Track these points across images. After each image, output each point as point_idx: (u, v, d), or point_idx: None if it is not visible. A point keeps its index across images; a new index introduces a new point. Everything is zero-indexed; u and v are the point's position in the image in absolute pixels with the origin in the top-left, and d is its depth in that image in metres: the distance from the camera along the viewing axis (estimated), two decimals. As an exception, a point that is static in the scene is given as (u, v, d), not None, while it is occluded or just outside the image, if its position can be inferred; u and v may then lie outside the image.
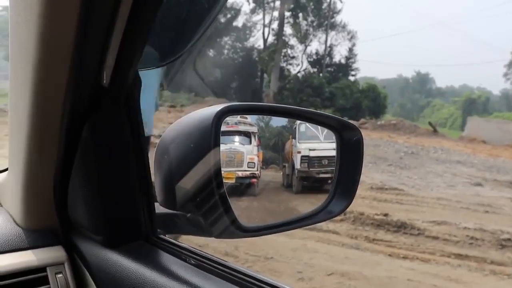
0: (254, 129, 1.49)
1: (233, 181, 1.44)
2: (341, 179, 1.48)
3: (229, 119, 1.41)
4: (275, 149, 1.56)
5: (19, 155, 1.29)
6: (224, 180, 1.40)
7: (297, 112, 1.46)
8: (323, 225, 8.69)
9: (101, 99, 1.21)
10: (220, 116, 1.18)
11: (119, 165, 1.28)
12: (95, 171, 1.26)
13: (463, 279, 6.88)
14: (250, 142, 1.49)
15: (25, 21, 1.06)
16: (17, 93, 1.21)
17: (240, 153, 1.48)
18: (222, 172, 1.33)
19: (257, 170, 1.48)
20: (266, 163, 1.54)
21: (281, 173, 1.54)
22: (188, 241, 1.33)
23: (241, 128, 1.48)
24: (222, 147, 1.40)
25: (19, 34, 1.12)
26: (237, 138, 1.47)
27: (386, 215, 9.86)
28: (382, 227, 9.19)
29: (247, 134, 1.49)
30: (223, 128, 1.39)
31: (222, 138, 1.38)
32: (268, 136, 1.56)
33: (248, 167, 1.47)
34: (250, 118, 1.48)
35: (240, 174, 1.44)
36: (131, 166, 1.28)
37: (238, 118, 1.46)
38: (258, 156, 1.50)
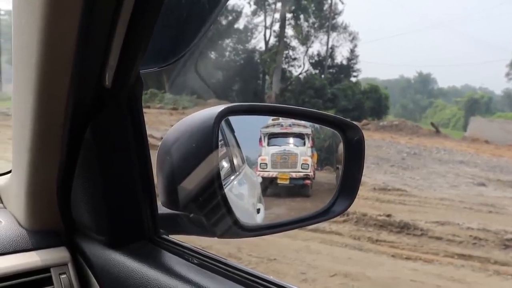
0: (308, 131, 1.52)
1: (287, 182, 1.45)
2: (345, 178, 1.48)
3: (283, 121, 1.43)
4: (329, 151, 1.58)
5: (23, 157, 1.30)
6: (279, 181, 1.43)
7: (299, 112, 1.47)
8: (326, 226, 8.70)
9: (104, 100, 1.22)
10: (222, 117, 1.19)
11: (122, 166, 1.28)
12: (98, 172, 1.26)
13: (466, 279, 6.88)
14: (304, 144, 1.50)
15: (27, 23, 1.06)
16: (20, 95, 1.22)
17: (294, 154, 1.50)
18: (277, 173, 1.35)
19: (311, 171, 1.50)
20: (321, 164, 1.55)
21: (335, 174, 1.55)
22: (192, 242, 1.33)
23: (295, 130, 1.50)
24: (276, 148, 1.43)
25: (21, 37, 1.12)
26: (291, 140, 1.50)
27: (389, 215, 9.85)
28: (385, 227, 9.19)
29: (301, 136, 1.51)
30: (278, 130, 1.41)
31: (276, 140, 1.42)
32: (322, 137, 1.57)
33: (302, 169, 1.49)
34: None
35: (294, 175, 1.47)
36: (134, 167, 1.29)
37: (292, 120, 1.47)
38: (312, 158, 1.51)
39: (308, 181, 1.50)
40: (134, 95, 1.24)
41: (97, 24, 1.06)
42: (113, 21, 1.06)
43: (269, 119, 1.44)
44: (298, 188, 1.50)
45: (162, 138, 1.32)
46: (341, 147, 1.52)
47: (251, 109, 1.41)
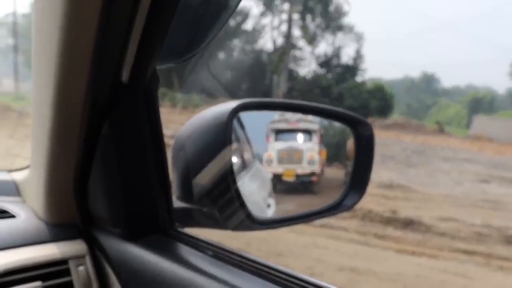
0: (315, 126, 1.51)
1: (293, 178, 1.45)
2: (355, 173, 1.49)
3: (290, 116, 1.44)
4: (338, 147, 1.58)
5: (41, 151, 1.32)
6: (284, 178, 1.43)
7: (310, 107, 1.47)
8: (333, 222, 8.71)
9: (121, 96, 1.24)
10: (235, 113, 1.21)
11: (138, 160, 1.30)
12: (115, 167, 1.28)
13: (470, 274, 6.89)
14: (311, 140, 1.50)
15: (47, 22, 1.08)
16: (40, 90, 1.23)
17: (299, 150, 1.49)
18: (282, 169, 1.35)
19: (318, 168, 1.49)
20: (329, 160, 1.55)
21: (344, 171, 1.54)
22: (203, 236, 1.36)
23: (302, 125, 1.49)
24: (282, 144, 1.43)
25: (41, 35, 1.14)
26: (297, 135, 1.49)
27: (394, 212, 9.86)
28: (390, 224, 9.21)
29: (308, 132, 1.50)
30: (284, 125, 1.41)
31: (282, 136, 1.42)
32: (331, 134, 1.57)
33: (308, 165, 1.49)
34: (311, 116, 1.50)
35: (299, 171, 1.46)
36: (150, 161, 1.30)
37: (299, 115, 1.48)
38: (320, 154, 1.51)
39: (315, 178, 1.50)
40: (150, 90, 1.26)
41: (115, 20, 1.08)
42: (130, 18, 1.08)
43: (277, 115, 1.45)
44: (304, 185, 1.50)
45: (172, 136, 1.34)
46: (350, 143, 1.52)
47: (264, 105, 1.41)
